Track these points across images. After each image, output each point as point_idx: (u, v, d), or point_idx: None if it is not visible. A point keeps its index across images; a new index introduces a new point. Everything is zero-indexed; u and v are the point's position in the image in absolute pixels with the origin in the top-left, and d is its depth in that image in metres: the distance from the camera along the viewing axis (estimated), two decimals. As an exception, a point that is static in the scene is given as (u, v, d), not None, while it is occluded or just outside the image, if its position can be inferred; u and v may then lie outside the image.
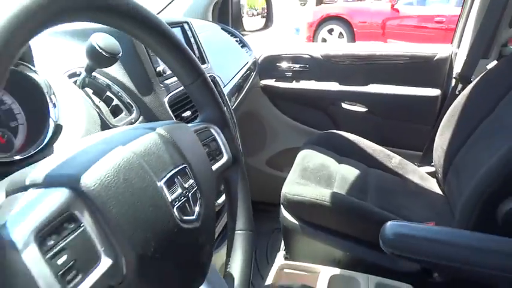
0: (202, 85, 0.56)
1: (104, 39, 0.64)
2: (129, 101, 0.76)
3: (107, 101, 0.73)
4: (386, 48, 1.69)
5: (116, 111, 0.74)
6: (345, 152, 1.43)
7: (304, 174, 1.27)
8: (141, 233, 0.36)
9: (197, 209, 0.44)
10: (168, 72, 0.85)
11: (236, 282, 0.52)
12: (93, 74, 0.72)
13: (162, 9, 1.44)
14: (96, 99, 0.72)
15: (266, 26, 1.85)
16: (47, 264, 0.28)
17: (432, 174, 1.48)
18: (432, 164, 1.46)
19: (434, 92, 1.58)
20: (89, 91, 0.71)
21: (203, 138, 0.54)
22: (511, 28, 1.45)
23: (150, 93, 0.78)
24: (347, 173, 1.32)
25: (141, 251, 0.35)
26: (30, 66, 0.63)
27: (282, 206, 1.21)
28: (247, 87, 1.44)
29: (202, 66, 0.57)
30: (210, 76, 0.83)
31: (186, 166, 0.44)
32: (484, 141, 1.18)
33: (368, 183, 1.30)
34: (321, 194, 1.13)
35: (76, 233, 0.32)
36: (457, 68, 1.51)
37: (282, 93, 1.75)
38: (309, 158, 1.35)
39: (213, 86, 0.58)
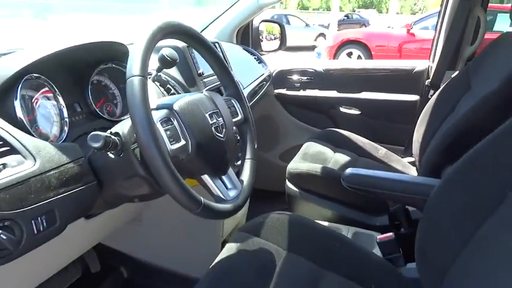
0: (228, 75, 0.98)
1: (169, 51, 1.07)
2: (180, 91, 1.19)
3: (168, 91, 1.16)
4: (375, 63, 2.07)
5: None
6: (340, 145, 1.79)
7: (305, 157, 1.65)
8: (198, 132, 0.77)
9: (223, 132, 0.85)
10: (205, 74, 1.28)
11: (244, 184, 0.92)
12: (160, 73, 1.15)
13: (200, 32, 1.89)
14: (161, 89, 1.15)
15: (280, 47, 2.27)
16: (164, 132, 0.70)
17: (413, 164, 1.83)
18: (412, 155, 1.80)
19: (414, 97, 1.95)
20: (157, 84, 1.15)
21: (227, 105, 0.96)
22: (472, 46, 1.81)
23: (194, 87, 1.21)
24: (339, 159, 1.68)
25: (198, 140, 0.77)
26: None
27: (286, 180, 1.60)
28: (261, 93, 1.84)
29: None
30: None
31: (218, 111, 0.86)
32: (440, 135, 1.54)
33: (356, 166, 1.66)
34: (314, 167, 1.51)
35: (171, 126, 0.74)
36: (430, 77, 1.88)
37: (292, 100, 2.15)
38: (310, 148, 1.73)
39: (234, 76, 1.00)
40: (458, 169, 0.91)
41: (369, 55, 7.32)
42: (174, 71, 1.20)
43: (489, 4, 1.80)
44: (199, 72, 1.25)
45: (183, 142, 0.75)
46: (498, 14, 4.66)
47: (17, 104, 0.76)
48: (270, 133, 2.21)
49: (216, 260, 0.98)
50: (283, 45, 2.27)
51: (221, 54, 0.97)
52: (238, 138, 1.00)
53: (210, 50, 0.94)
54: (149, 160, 0.67)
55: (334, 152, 1.73)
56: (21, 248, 0.68)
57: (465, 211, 0.85)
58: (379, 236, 1.15)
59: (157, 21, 0.75)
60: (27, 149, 0.72)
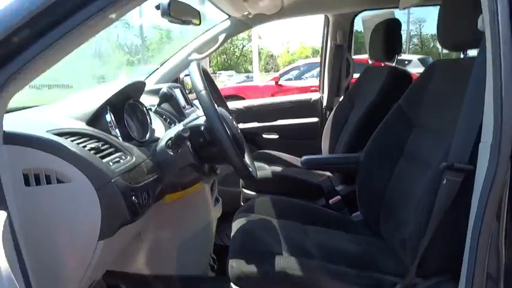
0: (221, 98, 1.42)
1: (167, 89, 1.46)
2: (174, 120, 1.56)
3: (165, 120, 1.52)
4: (282, 98, 2.70)
5: (170, 123, 1.53)
6: (271, 161, 2.29)
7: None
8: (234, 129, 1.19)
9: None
10: (186, 107, 1.68)
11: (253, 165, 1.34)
12: (158, 108, 1.52)
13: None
14: (161, 118, 1.51)
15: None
16: None
17: None
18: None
19: (315, 119, 2.61)
20: (158, 115, 1.50)
21: None
22: (347, 78, 2.57)
23: (182, 116, 1.60)
24: (275, 168, 2.17)
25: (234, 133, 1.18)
26: (142, 103, 1.41)
27: (242, 189, 2.02)
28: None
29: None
30: None
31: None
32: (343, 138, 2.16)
33: (288, 173, 2.17)
34: (266, 173, 1.97)
35: None
36: (324, 103, 2.57)
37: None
38: None
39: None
40: (371, 141, 1.49)
41: (247, 106, 8.26)
42: (167, 107, 1.58)
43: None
44: (182, 105, 1.65)
45: None
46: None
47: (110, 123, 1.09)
48: (206, 165, 2.60)
49: (234, 230, 1.34)
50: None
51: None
52: None
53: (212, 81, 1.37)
54: (220, 141, 1.06)
55: (270, 166, 2.22)
56: (139, 212, 0.99)
57: (384, 162, 1.42)
58: (331, 200, 1.65)
59: (193, 60, 1.17)
60: (125, 149, 1.05)
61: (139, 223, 1.35)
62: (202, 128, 1.14)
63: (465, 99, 1.01)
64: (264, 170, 2.11)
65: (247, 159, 1.34)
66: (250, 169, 1.24)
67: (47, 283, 0.92)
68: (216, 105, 1.14)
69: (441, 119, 1.23)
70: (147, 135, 1.35)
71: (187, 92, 2.65)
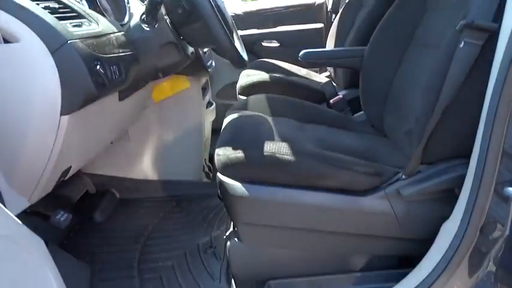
0: None
1: None
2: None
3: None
4: (284, 2, 2.47)
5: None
6: (271, 70, 2.13)
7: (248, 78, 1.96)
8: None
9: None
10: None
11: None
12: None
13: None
14: (141, 2, 1.34)
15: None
16: None
17: (328, 77, 2.26)
18: (327, 70, 2.23)
19: (319, 25, 2.39)
20: (138, -1, 1.33)
21: None
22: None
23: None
24: (275, 75, 2.03)
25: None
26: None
27: (238, 95, 1.89)
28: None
29: None
30: None
31: None
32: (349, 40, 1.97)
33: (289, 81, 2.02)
34: (264, 77, 1.83)
35: None
36: (329, 6, 2.34)
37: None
38: (248, 72, 2.03)
39: None
40: (380, 28, 1.32)
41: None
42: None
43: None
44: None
45: None
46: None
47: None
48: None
49: (224, 125, 1.23)
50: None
51: None
52: None
53: None
54: (201, 12, 0.91)
55: (268, 74, 2.06)
56: (107, 87, 0.86)
57: (392, 50, 1.26)
58: (332, 100, 1.52)
59: None
60: (91, 16, 0.90)
61: (123, 114, 1.26)
62: None
63: None
64: (261, 75, 1.96)
65: (236, 43, 1.19)
66: (240, 52, 1.10)
67: (9, 161, 0.83)
68: None
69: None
70: (125, 18, 1.20)
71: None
